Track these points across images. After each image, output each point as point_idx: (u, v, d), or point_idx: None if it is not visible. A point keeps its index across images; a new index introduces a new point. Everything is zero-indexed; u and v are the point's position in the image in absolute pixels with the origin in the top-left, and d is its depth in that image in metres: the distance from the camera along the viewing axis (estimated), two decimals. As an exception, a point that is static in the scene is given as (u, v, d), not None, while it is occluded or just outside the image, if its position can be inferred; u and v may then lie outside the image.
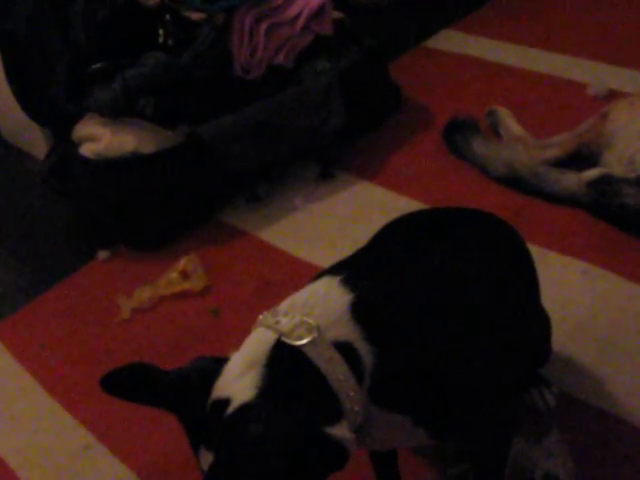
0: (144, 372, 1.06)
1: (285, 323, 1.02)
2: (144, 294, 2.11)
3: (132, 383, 1.05)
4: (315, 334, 1.01)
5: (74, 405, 1.88)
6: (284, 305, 1.08)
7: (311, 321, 1.02)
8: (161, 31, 2.40)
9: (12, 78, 2.39)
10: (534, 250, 1.43)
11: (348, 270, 1.11)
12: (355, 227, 2.19)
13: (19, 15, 2.31)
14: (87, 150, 2.26)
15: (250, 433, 0.94)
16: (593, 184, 2.04)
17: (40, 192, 2.56)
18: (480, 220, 1.39)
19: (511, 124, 2.40)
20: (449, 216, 1.39)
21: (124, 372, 1.05)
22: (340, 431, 0.99)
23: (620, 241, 1.99)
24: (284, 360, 1.00)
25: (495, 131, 2.45)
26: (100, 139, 2.25)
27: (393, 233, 1.31)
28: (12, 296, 2.28)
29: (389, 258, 1.19)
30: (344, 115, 2.39)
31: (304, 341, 1.00)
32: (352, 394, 1.01)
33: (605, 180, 2.03)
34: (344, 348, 1.02)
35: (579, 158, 2.20)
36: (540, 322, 1.50)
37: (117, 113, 2.26)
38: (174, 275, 2.14)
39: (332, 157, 2.47)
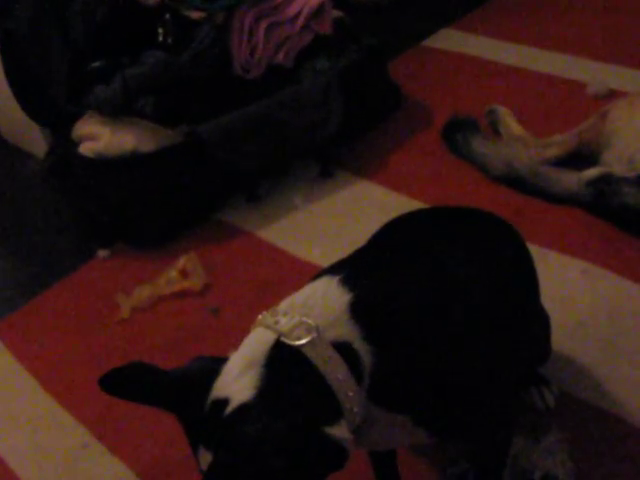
0: (143, 371, 1.06)
1: (284, 323, 1.02)
2: (144, 293, 2.11)
3: (131, 382, 1.05)
4: (314, 334, 1.01)
5: (73, 404, 1.88)
6: (283, 305, 1.08)
7: (310, 321, 1.02)
8: (161, 30, 2.40)
9: (12, 78, 2.38)
10: (534, 249, 1.43)
11: (347, 270, 1.11)
12: (355, 226, 2.19)
13: (19, 15, 2.30)
14: (87, 149, 2.25)
15: (249, 433, 0.94)
16: (593, 183, 2.04)
17: (40, 191, 2.56)
18: (480, 219, 1.39)
19: (511, 123, 2.40)
20: (448, 215, 1.39)
21: (123, 371, 1.05)
22: (339, 431, 0.99)
23: (620, 240, 1.99)
24: (283, 360, 1.00)
25: (495, 130, 2.45)
26: (100, 138, 2.25)
27: (392, 232, 1.31)
28: (11, 295, 2.28)
29: (388, 258, 1.19)
30: (343, 114, 2.39)
31: (303, 341, 1.00)
32: (351, 394, 1.01)
33: (605, 179, 2.03)
34: (343, 348, 1.02)
35: (579, 157, 2.20)
36: (540, 321, 1.50)
37: (117, 112, 2.26)
38: (174, 274, 2.14)
39: (331, 156, 2.46)
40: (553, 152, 2.23)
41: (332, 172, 2.45)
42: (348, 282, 1.07)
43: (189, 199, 2.33)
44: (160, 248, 2.29)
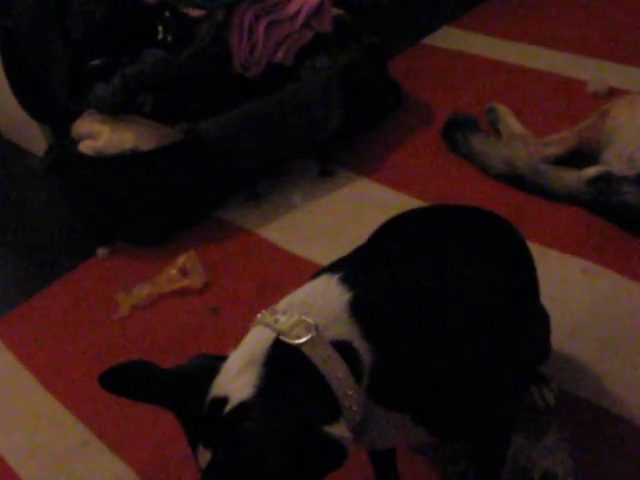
0: (143, 369, 1.06)
1: (283, 322, 1.02)
2: (143, 291, 2.11)
3: (131, 380, 1.05)
4: (313, 333, 1.01)
5: (73, 402, 1.88)
6: (283, 303, 1.08)
7: (309, 320, 1.02)
8: (160, 28, 2.40)
9: (12, 76, 2.39)
10: (534, 248, 1.43)
11: (347, 268, 1.11)
12: (354, 224, 2.19)
13: (19, 13, 2.30)
14: (86, 147, 2.25)
15: (248, 431, 0.93)
16: (593, 182, 2.04)
17: (39, 189, 2.56)
18: (480, 218, 1.38)
19: (511, 122, 2.40)
20: (448, 214, 1.39)
21: (123, 369, 1.05)
22: (338, 430, 0.99)
23: (620, 239, 1.99)
24: (282, 359, 1.00)
25: (495, 128, 2.45)
26: (99, 136, 2.25)
27: (392, 231, 1.31)
28: (11, 293, 2.28)
29: (388, 256, 1.19)
30: (343, 112, 2.39)
31: (302, 340, 1.00)
32: (350, 393, 1.01)
33: (605, 178, 2.03)
34: (342, 347, 1.02)
35: (579, 156, 2.20)
36: (540, 320, 1.50)
37: (116, 110, 2.26)
38: (173, 272, 2.14)
39: (331, 154, 2.46)
40: (553, 150, 2.23)
41: (332, 170, 2.45)
42: (348, 281, 1.07)
43: (189, 197, 2.33)
44: (159, 246, 2.29)
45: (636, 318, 1.79)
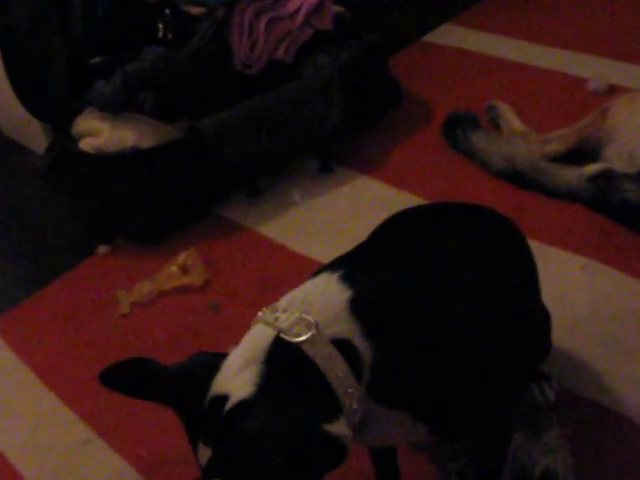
0: (143, 367, 1.06)
1: (284, 320, 1.02)
2: (144, 289, 2.11)
3: (131, 378, 1.05)
4: (314, 331, 1.01)
5: (74, 400, 1.88)
6: (283, 301, 1.08)
7: (310, 318, 1.02)
8: (161, 25, 2.40)
9: (12, 73, 2.38)
10: (534, 245, 1.43)
11: (347, 266, 1.11)
12: (355, 222, 2.19)
13: (19, 10, 2.30)
14: (87, 145, 2.25)
15: (248, 429, 0.94)
16: (594, 179, 2.04)
17: (40, 187, 2.56)
18: (480, 215, 1.38)
19: (511, 119, 2.40)
20: (449, 211, 1.39)
21: (123, 367, 1.05)
22: (338, 428, 0.99)
23: (620, 236, 1.99)
24: (283, 357, 1.00)
25: (495, 126, 2.45)
26: (100, 134, 2.25)
27: (393, 228, 1.31)
28: (11, 291, 2.28)
29: (388, 254, 1.19)
30: (344, 110, 2.39)
31: (302, 338, 1.00)
32: (351, 391, 1.01)
33: (606, 175, 2.03)
34: (343, 345, 1.02)
35: (580, 153, 2.19)
36: (540, 317, 1.50)
37: (117, 108, 2.26)
38: (174, 270, 2.14)
39: (331, 152, 2.46)
40: (553, 148, 2.22)
41: (332, 168, 2.45)
42: (348, 279, 1.07)
43: (189, 195, 2.33)
44: (160, 244, 2.29)
45: (636, 315, 1.79)
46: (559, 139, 2.24)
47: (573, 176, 2.10)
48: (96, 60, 2.31)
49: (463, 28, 3.08)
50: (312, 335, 1.00)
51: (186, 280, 2.12)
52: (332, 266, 1.13)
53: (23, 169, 2.81)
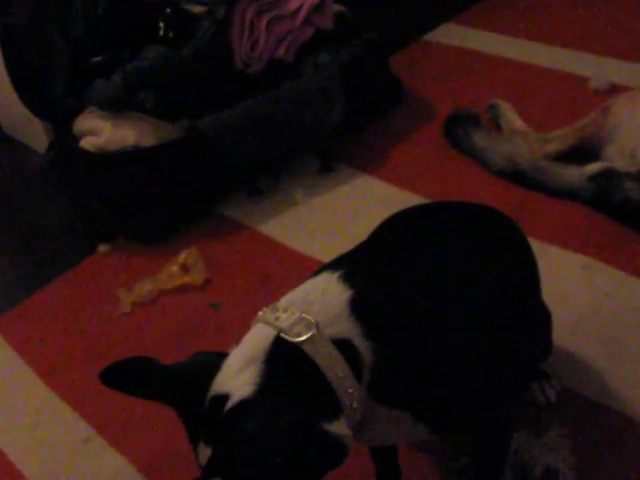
0: (144, 366, 1.06)
1: (284, 319, 1.02)
2: (144, 288, 2.11)
3: (132, 377, 1.05)
4: (314, 331, 1.01)
5: (74, 398, 1.88)
6: (284, 301, 1.08)
7: (310, 318, 1.02)
8: (162, 24, 2.39)
9: (12, 72, 2.38)
10: (535, 244, 1.43)
11: (348, 265, 1.11)
12: (356, 221, 2.19)
13: (20, 9, 2.30)
14: (88, 144, 2.25)
15: (248, 429, 0.94)
16: (594, 178, 2.04)
17: (40, 186, 2.56)
18: (481, 214, 1.38)
19: (512, 118, 2.39)
20: (450, 210, 1.39)
21: (124, 366, 1.05)
22: (338, 428, 0.99)
23: (621, 235, 1.99)
24: (283, 357, 1.00)
25: (496, 125, 2.45)
26: (101, 133, 2.25)
27: (393, 227, 1.31)
28: (12, 290, 2.28)
29: (389, 253, 1.19)
30: (344, 109, 2.39)
31: (303, 338, 1.00)
32: (351, 391, 1.01)
33: (607, 174, 2.02)
34: (343, 345, 1.02)
35: (580, 152, 2.19)
36: (541, 317, 1.50)
37: (117, 107, 2.26)
38: (174, 269, 2.14)
39: (332, 151, 2.46)
40: (554, 147, 2.22)
41: (333, 167, 2.45)
42: (348, 278, 1.07)
43: (190, 194, 2.33)
44: (161, 243, 2.29)
45: (638, 314, 1.79)
46: (560, 138, 2.24)
47: (574, 175, 2.10)
48: (97, 59, 2.31)
49: (464, 27, 3.08)
50: (312, 335, 1.00)
51: (187, 279, 2.12)
52: (332, 266, 1.13)
53: (24, 168, 2.81)
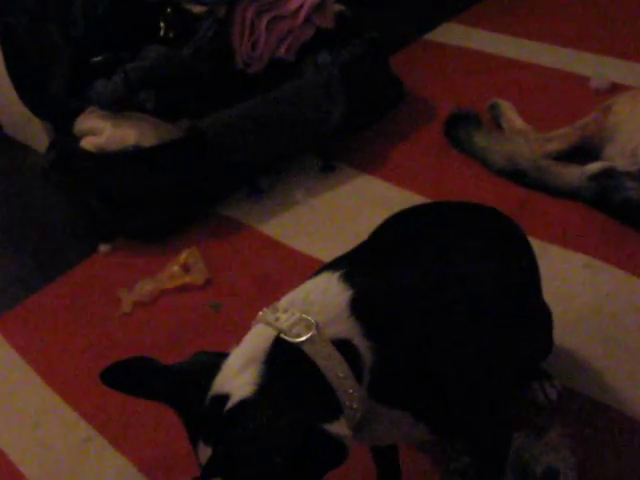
0: (144, 366, 1.06)
1: (284, 320, 1.02)
2: (145, 287, 2.11)
3: (132, 377, 1.05)
4: (314, 331, 1.01)
5: (75, 398, 1.88)
6: (284, 301, 1.08)
7: (310, 318, 1.02)
8: (162, 24, 2.39)
9: (13, 72, 2.38)
10: (535, 244, 1.43)
11: (348, 266, 1.11)
12: (356, 221, 2.19)
13: (20, 9, 2.30)
14: (88, 144, 2.26)
15: (248, 429, 0.94)
16: (595, 178, 2.04)
17: (41, 186, 2.56)
18: (481, 214, 1.38)
19: (513, 117, 2.39)
20: (450, 210, 1.39)
21: (124, 366, 1.05)
22: (338, 428, 0.99)
23: (622, 235, 1.99)
24: (283, 357, 1.00)
25: (497, 124, 2.45)
26: (101, 133, 2.25)
27: (394, 227, 1.30)
28: (13, 290, 2.28)
29: (389, 253, 1.19)
30: (345, 108, 2.39)
31: (303, 338, 1.00)
32: (351, 391, 1.01)
33: (607, 174, 2.02)
34: (343, 345, 1.02)
35: (581, 151, 2.19)
36: (541, 316, 1.50)
37: (118, 106, 2.26)
38: (175, 268, 2.14)
39: (333, 150, 2.46)
40: (555, 146, 2.22)
41: (334, 166, 2.44)
42: (349, 278, 1.07)
43: (190, 194, 2.33)
44: (162, 243, 2.29)
45: (638, 314, 1.78)
46: (560, 137, 2.23)
47: (574, 175, 2.10)
48: (97, 59, 2.31)
49: (464, 26, 3.08)
50: (312, 335, 1.00)
51: (187, 279, 2.12)
52: (333, 266, 1.13)
53: (24, 168, 2.81)
